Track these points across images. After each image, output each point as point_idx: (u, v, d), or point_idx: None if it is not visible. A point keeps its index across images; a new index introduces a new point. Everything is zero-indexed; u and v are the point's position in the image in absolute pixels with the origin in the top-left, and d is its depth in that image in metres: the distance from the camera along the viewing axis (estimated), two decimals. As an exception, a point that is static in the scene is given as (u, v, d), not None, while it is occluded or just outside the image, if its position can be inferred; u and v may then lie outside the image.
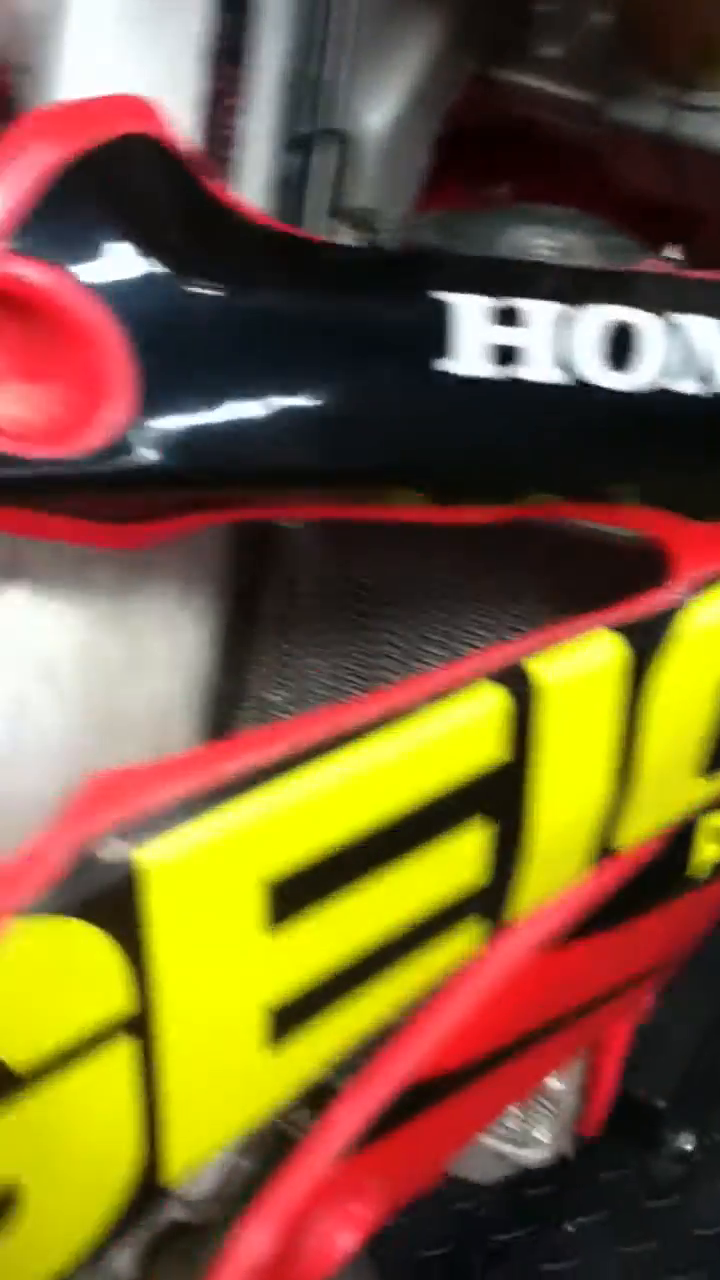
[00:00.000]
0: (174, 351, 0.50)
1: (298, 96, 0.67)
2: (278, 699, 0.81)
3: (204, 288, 0.52)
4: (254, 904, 0.54)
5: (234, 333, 0.52)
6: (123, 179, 0.51)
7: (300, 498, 0.55)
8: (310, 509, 0.56)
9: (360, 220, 0.70)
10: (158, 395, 0.50)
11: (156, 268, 0.51)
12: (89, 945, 0.50)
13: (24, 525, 0.51)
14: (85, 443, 0.48)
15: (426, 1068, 0.67)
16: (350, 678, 0.79)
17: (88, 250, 0.50)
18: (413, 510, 0.58)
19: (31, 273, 0.48)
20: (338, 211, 0.69)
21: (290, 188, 0.67)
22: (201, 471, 0.52)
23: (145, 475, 0.50)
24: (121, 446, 0.49)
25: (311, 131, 0.66)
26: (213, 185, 0.53)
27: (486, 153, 0.93)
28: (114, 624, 0.59)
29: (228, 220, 0.54)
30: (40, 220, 0.49)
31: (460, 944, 0.64)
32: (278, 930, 0.55)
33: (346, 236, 0.70)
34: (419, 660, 0.77)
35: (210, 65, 0.60)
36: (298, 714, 0.80)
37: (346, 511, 0.56)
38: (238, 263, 0.53)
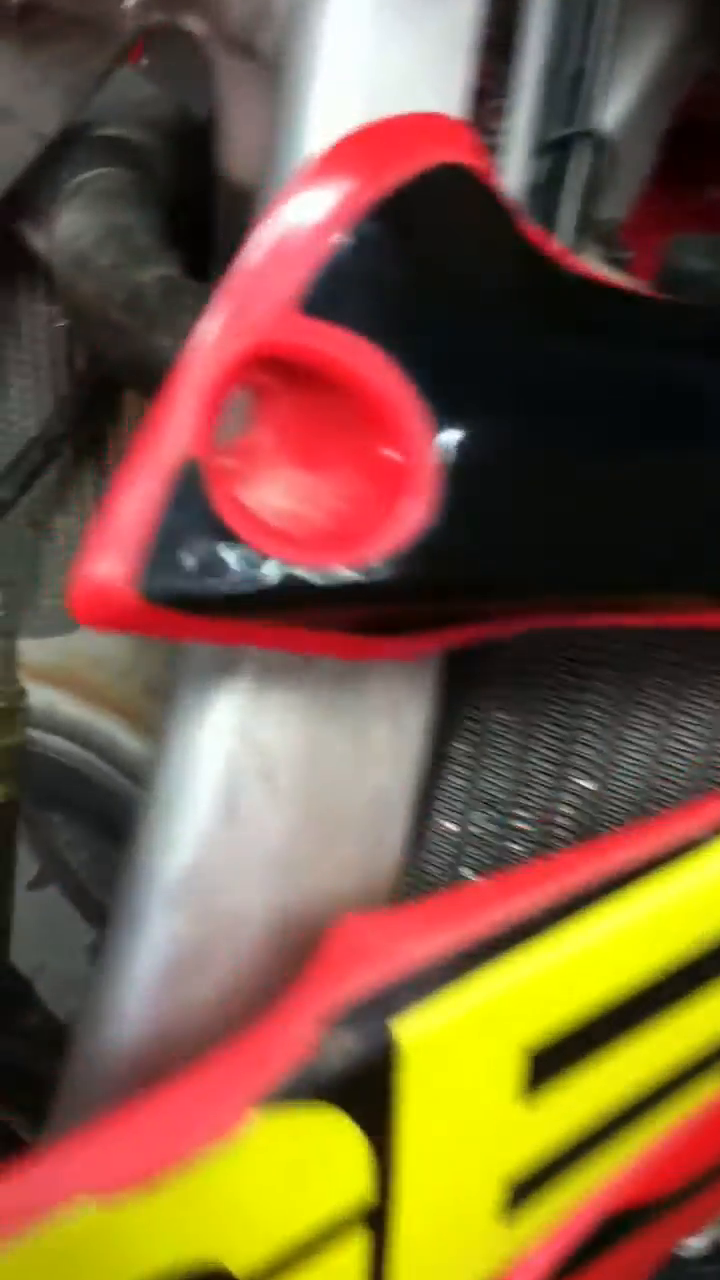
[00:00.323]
0: (488, 435, 0.40)
1: (555, 94, 0.56)
2: (456, 752, 0.72)
3: (527, 361, 0.42)
4: (511, 1074, 0.47)
5: (557, 412, 0.43)
6: (438, 223, 0.41)
7: (595, 607, 0.45)
8: (596, 619, 0.45)
9: (606, 235, 0.58)
10: (464, 490, 0.40)
11: (474, 336, 0.41)
12: (332, 1133, 0.42)
13: (273, 639, 0.43)
14: (374, 548, 0.39)
15: (630, 1199, 0.59)
16: (543, 737, 0.71)
17: (394, 313, 0.41)
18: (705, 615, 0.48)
19: (326, 339, 0.37)
20: (587, 226, 0.57)
21: (538, 199, 0.55)
22: (508, 582, 0.42)
23: (443, 587, 0.41)
24: (417, 553, 0.40)
25: (571, 133, 0.55)
26: (528, 226, 0.43)
27: (698, 154, 0.82)
28: (338, 713, 0.51)
29: (549, 274, 0.44)
30: (340, 274, 0.40)
31: (705, 1091, 0.57)
32: (531, 1099, 0.47)
33: (593, 255, 0.59)
34: (627, 727, 0.69)
35: (478, 59, 0.50)
36: (476, 769, 0.71)
37: (625, 620, 0.46)
38: (563, 328, 0.44)
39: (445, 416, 0.40)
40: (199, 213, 0.71)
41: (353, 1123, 0.43)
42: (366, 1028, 0.43)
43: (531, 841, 0.72)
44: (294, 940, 0.50)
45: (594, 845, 0.50)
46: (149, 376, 0.60)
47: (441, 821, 0.73)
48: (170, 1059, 0.49)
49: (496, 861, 0.73)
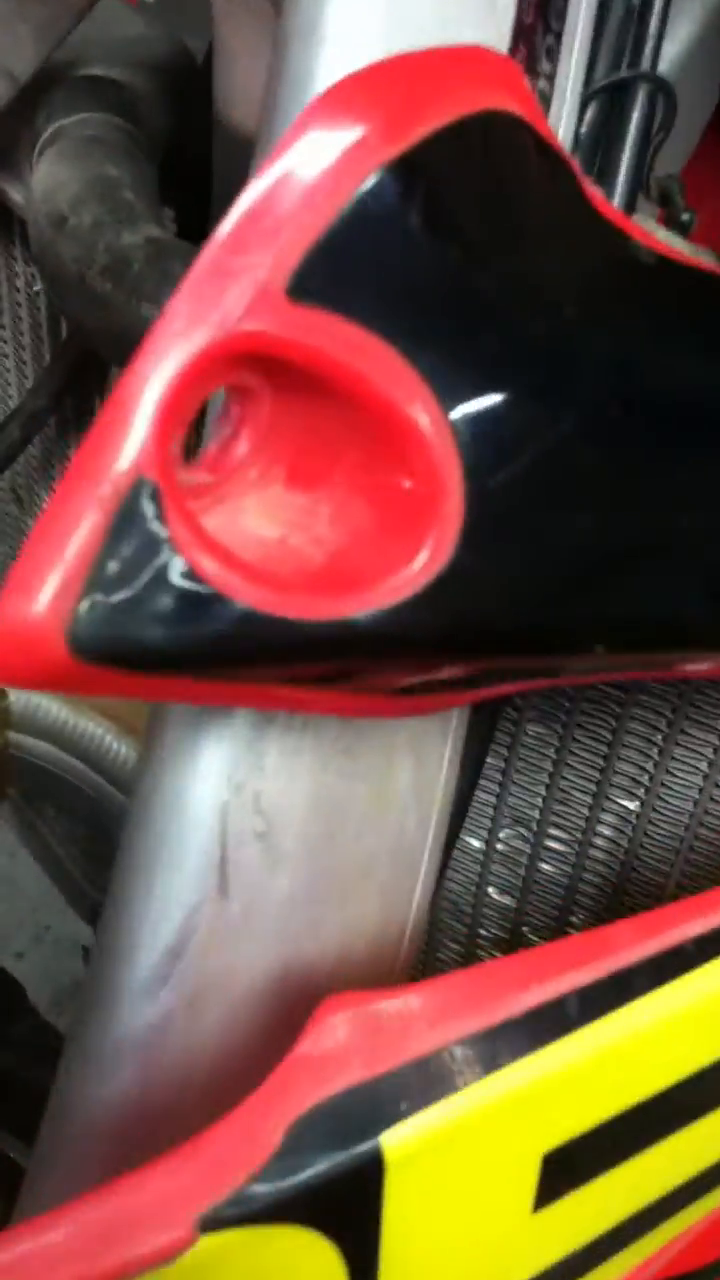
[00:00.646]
0: (530, 459, 0.32)
1: (610, 31, 0.49)
2: (487, 764, 0.67)
3: (588, 368, 0.33)
4: (523, 1184, 0.41)
5: (621, 434, 0.35)
6: (477, 185, 0.32)
7: (654, 662, 0.37)
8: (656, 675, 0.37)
9: (665, 193, 0.50)
10: (494, 526, 0.32)
11: (519, 333, 0.32)
12: (300, 1253, 0.37)
13: (243, 698, 0.36)
14: (376, 592, 0.31)
15: (663, 1274, 0.53)
16: (581, 752, 0.65)
17: (414, 301, 0.32)
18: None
19: (319, 333, 0.29)
20: (644, 182, 0.49)
21: (588, 152, 0.47)
22: (542, 636, 0.34)
23: (459, 641, 0.33)
24: (430, 601, 0.32)
25: (628, 77, 0.46)
26: (595, 194, 0.34)
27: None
28: (350, 756, 0.44)
29: (622, 254, 0.35)
30: (343, 249, 0.31)
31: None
32: (544, 1209, 0.42)
33: (647, 214, 0.51)
34: (676, 744, 0.63)
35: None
36: (505, 783, 0.67)
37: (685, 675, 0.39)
38: (637, 326, 0.35)
39: (476, 435, 0.32)
40: (195, 165, 0.62)
41: (328, 1242, 0.37)
42: (346, 1137, 0.36)
43: (565, 863, 0.68)
44: (294, 1007, 0.44)
45: (642, 919, 0.43)
46: (133, 351, 0.52)
47: (466, 838, 0.68)
48: (149, 1144, 0.42)
49: (526, 882, 0.69)
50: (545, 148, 0.34)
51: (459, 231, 0.32)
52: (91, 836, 0.91)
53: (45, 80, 0.60)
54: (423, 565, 0.32)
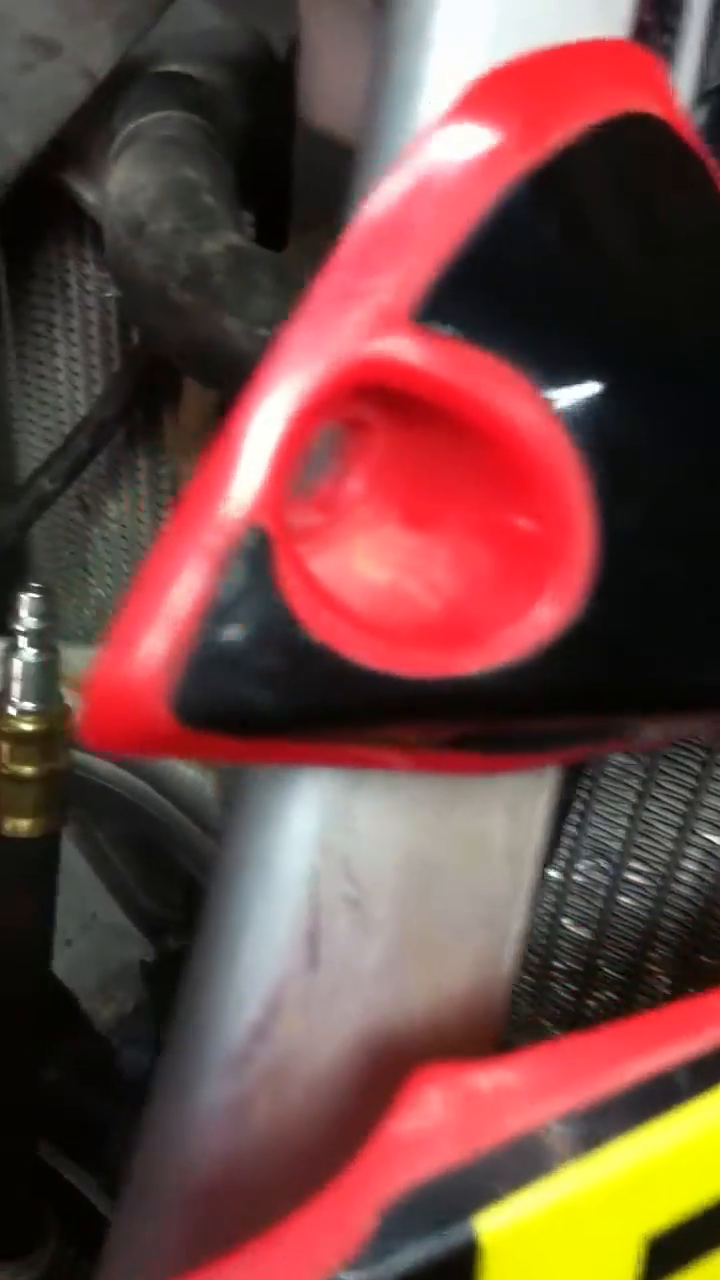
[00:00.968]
0: (670, 503, 0.29)
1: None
2: None
3: None
4: (624, 1269, 0.38)
5: None
6: (623, 198, 0.29)
7: None
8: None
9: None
10: (627, 577, 0.29)
11: (664, 366, 0.29)
12: None
13: (355, 759, 0.34)
14: (497, 646, 0.28)
15: None
16: (666, 783, 0.64)
17: (551, 328, 0.29)
18: None
19: (449, 363, 0.26)
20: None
21: None
22: (672, 693, 0.31)
23: (587, 700, 0.31)
24: (556, 657, 0.29)
25: None
26: None
27: None
28: (445, 817, 0.42)
29: None
30: (476, 271, 0.28)
31: None
32: None
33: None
34: None
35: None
36: (586, 813, 0.66)
37: None
38: None
39: (610, 473, 0.30)
40: (276, 166, 0.59)
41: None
42: (440, 1222, 0.34)
43: (646, 897, 0.67)
44: (382, 1079, 0.42)
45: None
46: (212, 366, 0.51)
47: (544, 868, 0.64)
48: (232, 1221, 0.42)
49: (603, 915, 0.68)
50: (688, 152, 0.31)
51: (601, 248, 0.30)
52: (148, 850, 0.89)
53: (123, 77, 0.58)
54: (550, 615, 0.29)
